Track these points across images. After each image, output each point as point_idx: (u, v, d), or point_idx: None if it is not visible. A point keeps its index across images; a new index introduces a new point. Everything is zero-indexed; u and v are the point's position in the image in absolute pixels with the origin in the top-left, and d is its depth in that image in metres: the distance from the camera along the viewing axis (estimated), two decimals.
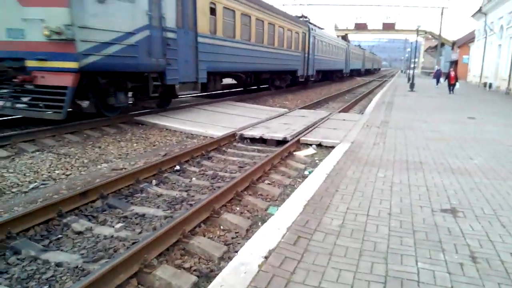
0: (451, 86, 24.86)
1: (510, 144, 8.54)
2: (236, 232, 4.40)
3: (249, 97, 18.57)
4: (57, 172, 6.39)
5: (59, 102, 8.16)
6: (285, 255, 3.29)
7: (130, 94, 10.82)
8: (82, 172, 6.49)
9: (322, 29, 31.35)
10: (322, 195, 4.82)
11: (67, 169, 6.58)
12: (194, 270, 3.57)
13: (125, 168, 6.70)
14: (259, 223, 4.63)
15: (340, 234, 3.75)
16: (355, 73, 52.63)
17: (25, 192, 5.48)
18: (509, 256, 3.40)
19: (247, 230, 4.46)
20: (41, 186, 5.77)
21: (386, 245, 3.55)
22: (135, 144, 8.51)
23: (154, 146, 8.54)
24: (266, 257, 3.22)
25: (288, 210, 4.30)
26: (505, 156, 7.41)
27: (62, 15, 7.82)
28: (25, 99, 8.82)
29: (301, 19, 25.89)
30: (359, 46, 61.91)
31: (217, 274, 3.07)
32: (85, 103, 10.08)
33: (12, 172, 6.18)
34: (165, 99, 12.24)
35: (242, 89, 21.21)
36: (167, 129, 10.09)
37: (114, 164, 7.04)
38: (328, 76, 36.34)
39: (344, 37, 60.67)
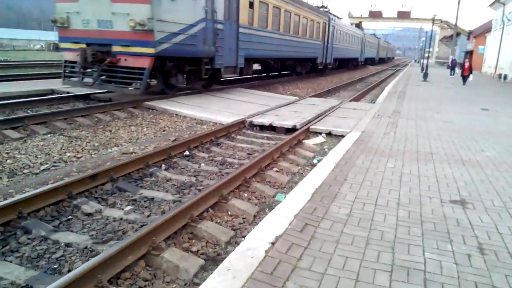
0: (465, 78, 24.23)
1: None
2: (243, 218, 4.42)
3: (261, 84, 18.51)
4: (68, 154, 6.47)
5: (139, 80, 10.12)
6: (292, 241, 3.30)
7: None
8: (92, 155, 6.56)
9: (340, 18, 32.49)
10: (331, 184, 4.81)
11: (78, 152, 6.65)
12: (202, 254, 3.61)
13: (135, 152, 6.75)
14: (267, 210, 4.65)
15: (347, 222, 3.75)
16: (369, 61, 53.07)
17: (36, 174, 5.56)
18: None
19: (255, 216, 4.48)
20: (52, 168, 5.85)
21: (393, 234, 3.54)
22: (145, 129, 8.55)
23: (163, 131, 8.58)
24: (273, 243, 3.23)
25: (296, 197, 4.30)
26: None
27: (145, 10, 9.67)
28: (110, 78, 10.64)
29: (321, 9, 27.20)
30: (374, 35, 61.92)
31: (224, 258, 3.09)
32: (153, 82, 12.41)
33: (23, 154, 6.27)
34: (211, 81, 14.18)
35: (262, 75, 22.37)
36: (177, 115, 10.11)
37: (124, 148, 7.10)
38: (344, 64, 37.26)
39: (358, 25, 59.80)
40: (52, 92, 11.89)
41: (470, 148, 7.17)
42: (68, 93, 11.48)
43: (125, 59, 10.17)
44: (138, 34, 9.83)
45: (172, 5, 10.35)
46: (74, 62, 10.84)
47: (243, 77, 18.41)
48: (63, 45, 11.10)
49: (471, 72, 24.30)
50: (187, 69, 12.17)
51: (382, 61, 69.41)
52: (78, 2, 10.33)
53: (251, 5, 14.90)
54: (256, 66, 20.64)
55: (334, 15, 29.63)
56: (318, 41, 25.06)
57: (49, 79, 14.99)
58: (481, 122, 10.20)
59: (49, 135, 7.45)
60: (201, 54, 12.06)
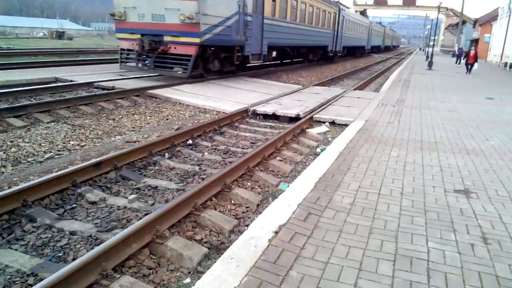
0: (470, 66, 23.89)
1: None
2: (246, 207, 4.43)
3: (264, 72, 18.45)
4: (72, 143, 6.48)
5: (186, 66, 11.98)
6: (295, 230, 3.31)
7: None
8: (96, 144, 6.57)
9: (348, 8, 34.06)
10: (334, 173, 4.80)
11: (81, 140, 6.66)
12: (205, 242, 3.62)
13: (138, 141, 6.76)
14: (270, 199, 4.66)
15: (350, 211, 3.75)
16: (375, 49, 54.08)
17: (41, 162, 5.58)
18: None
19: (258, 205, 4.49)
20: (56, 156, 5.87)
21: (396, 224, 3.54)
22: (148, 117, 8.55)
23: (167, 119, 8.57)
24: (276, 232, 3.24)
25: (299, 186, 4.31)
26: None
27: (193, 6, 11.33)
28: (161, 63, 12.38)
29: (333, 0, 28.29)
30: (380, 23, 62.22)
31: (228, 247, 3.11)
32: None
33: (27, 142, 6.29)
34: (239, 66, 15.85)
35: (277, 62, 23.33)
36: (180, 103, 10.09)
37: (127, 136, 7.11)
38: (352, 52, 38.60)
39: (363, 13, 59.18)
40: (55, 80, 11.87)
41: (475, 137, 7.13)
42: (71, 81, 11.47)
43: (175, 48, 11.97)
44: (186, 26, 11.51)
45: (214, 1, 12.06)
46: (130, 50, 12.75)
47: (264, 63, 20.00)
48: (119, 35, 12.89)
49: (476, 61, 23.85)
50: (222, 56, 13.82)
51: (387, 49, 69.87)
52: (136, 2, 12.19)
53: None
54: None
55: (343, 5, 30.80)
56: (329, 30, 26.50)
57: (52, 67, 14.97)
58: (486, 111, 10.13)
59: (52, 123, 7.46)
60: (234, 43, 13.70)
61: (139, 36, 12.17)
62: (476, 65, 24.06)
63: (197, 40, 11.67)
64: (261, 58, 16.30)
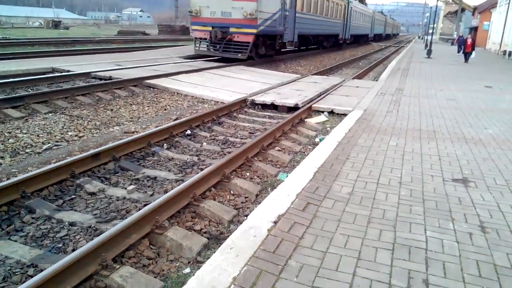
0: (467, 55, 23.48)
1: None
2: (246, 197, 4.44)
3: (261, 61, 18.37)
4: (70, 133, 6.46)
5: (245, 50, 15.80)
6: (294, 220, 3.32)
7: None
8: (94, 134, 6.55)
9: (356, 0, 38.38)
10: (333, 163, 4.81)
11: (79, 131, 6.64)
12: (204, 232, 3.64)
13: (137, 131, 6.74)
14: (269, 189, 4.66)
15: (349, 201, 3.76)
16: (377, 37, 57.83)
17: (39, 153, 5.56)
18: None
19: (257, 195, 4.49)
20: (54, 147, 5.85)
21: (395, 213, 3.55)
22: (146, 108, 8.52)
23: (165, 110, 8.54)
24: (275, 222, 3.26)
25: (298, 176, 4.31)
26: None
27: (253, 5, 15.16)
28: (227, 48, 16.18)
29: None
30: (382, 12, 65.58)
31: (227, 237, 3.12)
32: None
33: (25, 133, 6.26)
34: (278, 51, 20.24)
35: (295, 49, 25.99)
36: (178, 93, 10.05)
37: (126, 127, 7.09)
38: (357, 39, 42.71)
39: (361, 0, 58.93)
40: (52, 70, 11.79)
41: (473, 126, 7.14)
42: (68, 71, 11.39)
43: (237, 36, 15.74)
44: (247, 20, 15.27)
45: (266, 2, 15.91)
46: (203, 39, 16.69)
47: (292, 49, 23.19)
48: (194, 27, 17.10)
49: (473, 49, 23.44)
50: (267, 43, 17.74)
51: (388, 37, 72.94)
52: (209, 2, 15.91)
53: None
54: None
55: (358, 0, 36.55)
56: (339, 20, 30.38)
57: (49, 57, 14.86)
58: (484, 100, 10.12)
59: (50, 114, 7.42)
60: (277, 32, 17.66)
61: (210, 28, 16.03)
62: (473, 54, 23.68)
63: (254, 30, 15.48)
64: (293, 44, 20.21)
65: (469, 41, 23.50)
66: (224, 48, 16.10)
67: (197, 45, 17.23)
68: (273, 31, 17.20)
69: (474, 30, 48.30)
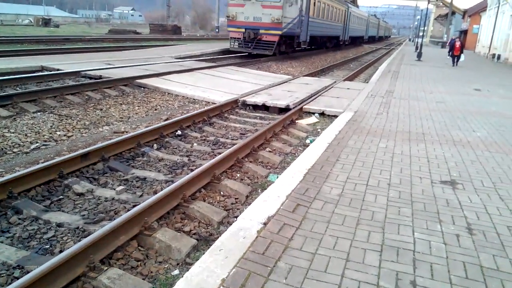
0: (455, 58, 22.78)
1: None
2: (236, 198, 4.44)
3: (253, 62, 18.44)
4: (58, 133, 6.40)
5: (271, 48, 19.68)
6: (283, 222, 3.32)
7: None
8: (83, 134, 6.50)
9: (354, 6, 43.50)
10: (323, 164, 4.82)
11: (68, 130, 6.58)
12: (194, 234, 3.62)
13: (126, 131, 6.70)
14: (259, 190, 4.66)
15: (338, 203, 3.78)
16: (371, 39, 62.49)
17: (26, 153, 5.50)
18: (506, 229, 3.43)
19: (247, 197, 4.49)
20: (42, 147, 5.79)
21: (383, 214, 3.58)
22: (136, 107, 8.47)
23: (155, 110, 8.50)
24: (265, 224, 3.25)
25: (288, 178, 4.32)
26: (509, 129, 7.36)
27: (279, 12, 19.02)
28: (257, 46, 20.11)
29: (345, 0, 36.83)
30: (375, 15, 69.66)
31: (216, 238, 3.11)
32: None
33: (13, 132, 6.18)
34: (294, 49, 24.09)
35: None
36: (169, 93, 10.01)
37: (115, 127, 7.04)
38: (354, 41, 46.95)
39: (354, 1, 59.44)
40: (42, 69, 11.66)
41: (462, 129, 7.22)
42: (57, 70, 11.28)
43: (266, 37, 19.70)
44: (274, 24, 19.31)
45: (289, 8, 19.94)
46: (237, 38, 20.60)
47: (304, 48, 26.10)
48: (230, 29, 21.02)
49: (462, 52, 22.84)
50: (288, 42, 21.83)
51: (380, 38, 77.13)
52: (244, 7, 19.84)
53: (314, 4, 24.44)
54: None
55: (351, 3, 39.99)
56: (340, 24, 34.66)
57: (38, 55, 14.69)
58: (473, 103, 10.24)
59: (39, 113, 7.34)
60: (295, 33, 21.75)
61: (243, 30, 20.03)
62: (462, 57, 23.13)
63: (279, 32, 19.59)
64: (306, 44, 24.30)
65: (458, 44, 22.95)
66: (255, 46, 20.08)
67: (232, 43, 21.24)
68: (292, 33, 21.36)
69: (464, 33, 48.88)
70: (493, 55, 31.49)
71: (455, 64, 22.96)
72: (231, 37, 21.16)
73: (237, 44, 20.91)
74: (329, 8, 28.90)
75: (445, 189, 4.28)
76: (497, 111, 9.26)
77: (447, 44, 30.93)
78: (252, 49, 20.01)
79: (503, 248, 3.12)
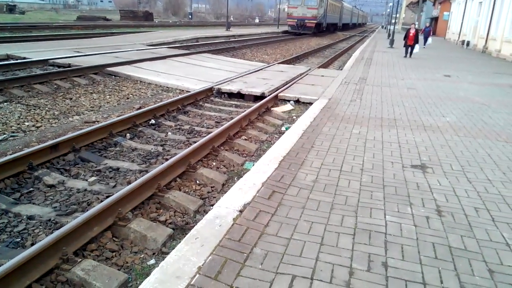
0: (409, 48, 19.31)
1: (482, 102, 8.75)
2: (212, 187, 4.43)
3: (228, 49, 18.24)
4: (26, 124, 6.19)
5: (311, 29, 39.98)
6: (259, 209, 3.35)
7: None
8: (53, 125, 6.31)
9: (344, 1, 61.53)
10: (298, 151, 4.87)
11: (37, 121, 6.38)
12: (170, 223, 3.61)
13: (97, 121, 6.55)
14: (235, 178, 4.67)
15: (313, 188, 3.83)
16: (351, 25, 75.12)
17: None
18: (473, 210, 3.57)
19: (223, 185, 4.49)
20: (10, 138, 5.60)
21: (356, 199, 3.65)
22: (108, 96, 8.27)
23: (127, 98, 8.33)
24: (241, 211, 3.27)
25: (264, 165, 4.34)
26: (477, 114, 7.60)
27: (315, 11, 39.41)
28: (304, 29, 39.73)
29: None
30: (355, 7, 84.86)
31: (193, 227, 3.11)
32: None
33: None
34: (320, 31, 43.68)
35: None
36: (141, 82, 9.82)
37: (86, 116, 6.87)
38: (343, 27, 61.93)
39: None
40: (7, 57, 11.22)
41: (432, 114, 7.41)
42: (24, 58, 10.87)
43: (307, 23, 38.72)
44: (312, 17, 38.56)
45: (320, 9, 39.13)
46: (293, 25, 39.43)
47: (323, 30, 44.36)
48: (289, 21, 40.05)
49: (417, 42, 19.21)
50: (318, 27, 40.13)
51: (354, 26, 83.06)
52: (296, 9, 38.83)
53: (327, 3, 41.41)
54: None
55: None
56: (337, 15, 51.92)
57: (3, 43, 14.10)
58: (443, 88, 10.50)
59: (5, 103, 7.07)
60: (322, 22, 41.38)
61: (295, 20, 38.72)
62: (417, 48, 19.53)
63: (315, 21, 38.35)
64: (324, 28, 43.13)
65: (412, 32, 19.04)
66: (302, 29, 38.37)
67: (289, 28, 39.85)
68: (321, 22, 40.09)
69: (434, 20, 49.79)
70: (463, 41, 32.28)
71: (407, 55, 19.44)
72: (289, 24, 39.93)
73: (291, 28, 39.47)
74: (332, 4, 46.06)
75: (415, 173, 4.41)
76: (466, 96, 9.54)
77: (421, 32, 28.11)
78: (301, 31, 38.57)
79: (470, 228, 3.24)
